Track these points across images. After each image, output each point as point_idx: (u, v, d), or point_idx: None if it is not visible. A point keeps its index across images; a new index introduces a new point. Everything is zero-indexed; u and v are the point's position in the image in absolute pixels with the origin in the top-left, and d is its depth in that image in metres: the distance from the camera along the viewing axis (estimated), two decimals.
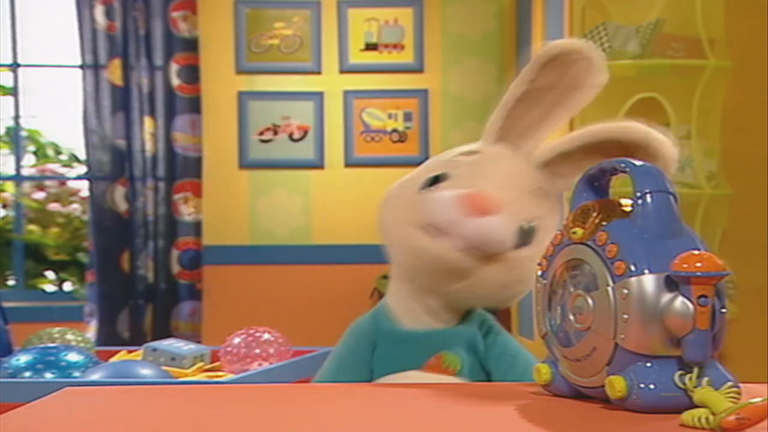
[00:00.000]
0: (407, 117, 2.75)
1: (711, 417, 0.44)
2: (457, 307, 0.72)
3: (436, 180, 0.70)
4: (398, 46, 2.75)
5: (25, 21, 2.80)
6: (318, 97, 2.76)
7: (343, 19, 2.75)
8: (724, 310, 0.49)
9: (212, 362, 1.33)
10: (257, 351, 1.26)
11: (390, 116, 2.76)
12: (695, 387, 0.48)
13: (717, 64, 1.66)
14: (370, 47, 2.75)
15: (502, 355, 0.71)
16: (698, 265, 0.48)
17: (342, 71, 2.76)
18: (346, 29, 2.76)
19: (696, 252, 0.48)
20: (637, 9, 1.72)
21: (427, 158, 2.58)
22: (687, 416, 0.46)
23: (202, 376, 1.26)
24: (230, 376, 1.21)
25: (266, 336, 1.28)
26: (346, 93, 2.75)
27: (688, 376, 0.49)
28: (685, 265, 0.48)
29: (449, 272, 0.68)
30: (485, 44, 2.76)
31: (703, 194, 1.65)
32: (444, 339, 0.70)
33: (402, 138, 2.75)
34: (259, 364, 1.24)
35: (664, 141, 0.67)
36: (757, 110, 1.75)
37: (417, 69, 2.75)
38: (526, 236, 0.68)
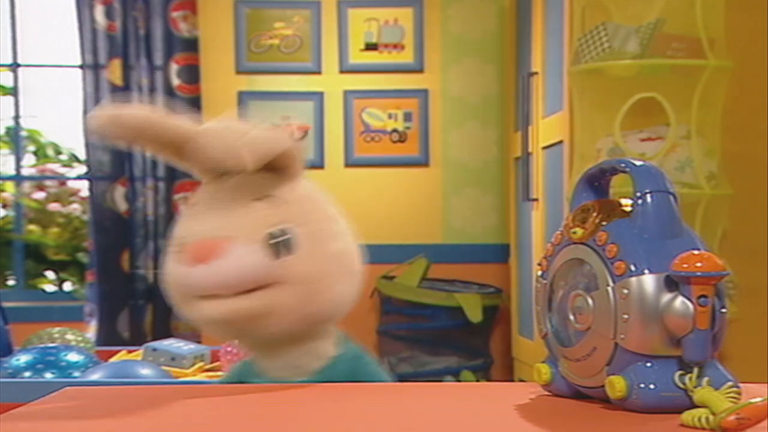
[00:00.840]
0: (407, 117, 2.75)
1: (711, 417, 0.44)
2: (305, 346, 0.68)
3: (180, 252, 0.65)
4: (398, 46, 2.75)
5: (25, 21, 2.80)
6: (318, 97, 2.75)
7: (343, 19, 2.75)
8: (724, 310, 0.49)
9: (212, 362, 1.33)
10: None
11: (390, 116, 2.76)
12: (695, 387, 0.48)
13: (717, 64, 1.66)
14: (370, 47, 2.75)
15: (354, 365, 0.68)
16: (698, 265, 0.48)
17: (342, 71, 2.76)
18: (346, 29, 2.76)
19: (696, 252, 0.48)
20: (637, 9, 1.72)
21: (427, 158, 2.59)
22: (687, 416, 0.46)
23: (202, 376, 1.26)
24: None
25: None
26: (346, 93, 2.75)
27: (688, 376, 0.49)
28: (685, 265, 0.48)
29: (245, 322, 0.63)
30: (485, 44, 2.76)
31: (703, 194, 1.65)
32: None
33: (402, 138, 2.75)
34: None
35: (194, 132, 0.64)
36: (757, 110, 1.75)
37: (417, 69, 2.75)
38: (283, 247, 0.63)
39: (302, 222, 0.65)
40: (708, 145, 1.70)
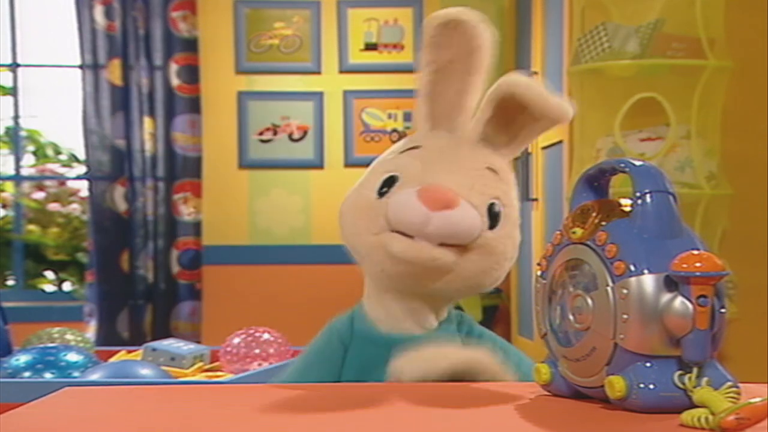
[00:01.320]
0: (407, 117, 2.75)
1: (710, 417, 0.44)
2: (437, 307, 0.71)
3: (388, 182, 0.69)
4: (398, 46, 2.75)
5: (24, 21, 2.80)
6: (318, 97, 2.75)
7: (342, 19, 2.75)
8: (723, 310, 0.49)
9: (212, 362, 1.33)
10: (257, 351, 1.26)
11: (390, 116, 2.76)
12: (695, 387, 0.48)
13: (717, 64, 1.66)
14: (370, 47, 2.75)
15: (494, 348, 0.70)
16: (698, 265, 0.48)
17: (342, 71, 2.76)
18: (345, 29, 2.76)
19: (695, 252, 0.48)
20: (637, 9, 1.72)
21: None
22: (686, 416, 0.46)
23: (201, 376, 1.26)
24: (230, 376, 1.21)
25: (266, 336, 1.28)
26: (346, 93, 2.75)
27: (688, 376, 0.49)
28: (684, 265, 0.48)
29: (429, 271, 0.67)
30: None
31: (703, 194, 1.65)
32: (422, 344, 0.68)
33: (402, 138, 2.75)
34: (259, 364, 1.24)
35: (525, 88, 0.68)
36: (757, 110, 1.75)
37: (417, 69, 2.75)
38: (493, 217, 0.68)
39: (507, 203, 0.70)
40: (708, 145, 1.70)
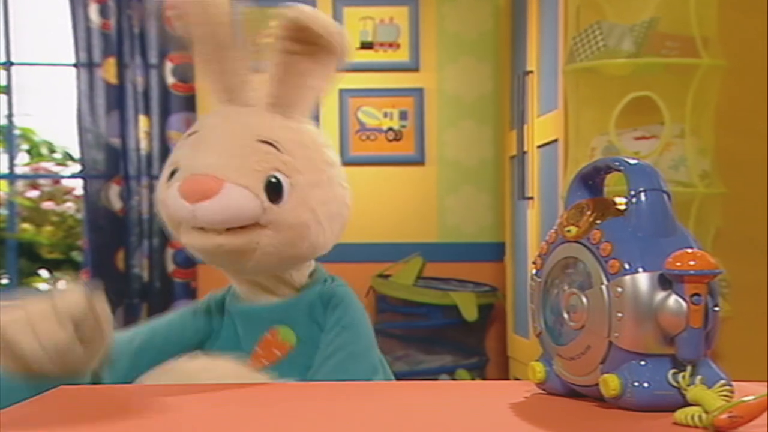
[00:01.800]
0: (403, 116, 2.75)
1: (704, 415, 0.45)
2: (279, 278, 0.71)
3: (172, 174, 0.69)
4: (394, 45, 2.75)
5: (18, 19, 2.79)
6: None
7: (338, 18, 2.75)
8: (716, 309, 0.49)
9: None
10: None
11: (385, 115, 2.76)
12: (688, 385, 0.48)
13: (710, 63, 1.67)
14: (366, 46, 2.75)
15: (333, 326, 0.69)
16: (691, 263, 0.48)
17: (337, 70, 2.75)
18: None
19: (689, 250, 0.49)
20: (631, 8, 1.73)
21: (422, 157, 2.59)
22: (680, 414, 0.46)
23: None
24: None
25: None
26: (342, 92, 2.75)
27: (682, 374, 0.49)
28: (678, 264, 0.48)
29: (228, 257, 0.67)
30: (481, 43, 2.76)
31: (697, 193, 1.66)
32: (278, 313, 0.69)
33: (398, 136, 2.75)
34: None
35: (311, 17, 0.68)
36: (750, 109, 1.75)
37: (412, 68, 2.75)
38: (274, 191, 0.66)
39: (296, 171, 0.68)
40: (701, 143, 1.70)
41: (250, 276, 0.71)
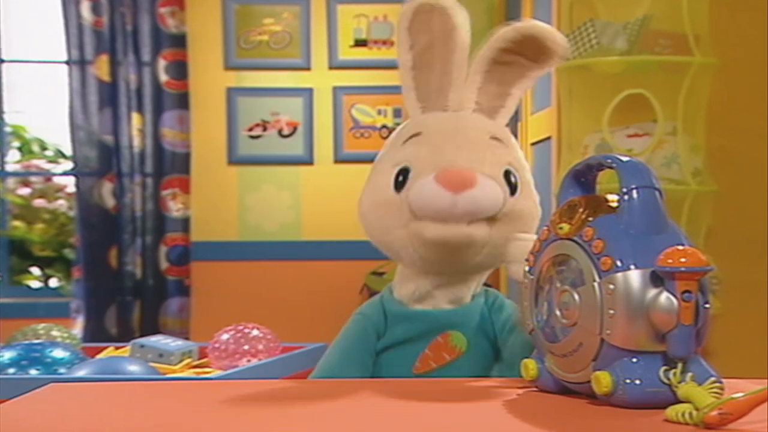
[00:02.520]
0: (397, 113, 2.75)
1: (694, 412, 0.45)
2: (471, 280, 0.73)
3: (402, 175, 0.70)
4: (387, 42, 2.75)
5: (9, 16, 2.77)
6: (307, 93, 2.75)
7: (332, 15, 2.74)
8: (707, 306, 0.49)
9: (200, 359, 1.32)
10: (246, 347, 1.25)
11: (379, 112, 2.75)
12: (679, 382, 0.48)
13: (702, 61, 1.67)
14: (360, 43, 2.74)
15: (507, 320, 0.72)
16: (682, 260, 0.48)
17: (331, 67, 2.75)
18: (335, 25, 2.75)
19: (680, 247, 0.49)
20: (624, 5, 1.73)
21: None
22: (671, 411, 0.46)
23: (189, 373, 1.25)
24: (218, 373, 1.20)
25: (255, 332, 1.28)
26: (336, 89, 2.75)
27: (673, 371, 0.49)
28: (669, 261, 0.48)
29: (466, 248, 0.68)
30: (474, 41, 2.74)
31: (689, 190, 1.66)
32: (451, 318, 0.71)
33: (391, 134, 2.75)
34: (248, 361, 1.24)
35: (532, 25, 0.72)
36: (741, 107, 1.76)
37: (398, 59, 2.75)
38: (511, 184, 0.70)
39: (520, 167, 0.71)
40: (693, 141, 1.71)
41: (459, 272, 0.71)
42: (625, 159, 0.54)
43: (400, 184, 0.70)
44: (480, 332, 0.71)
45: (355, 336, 0.73)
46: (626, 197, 0.52)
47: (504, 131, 0.73)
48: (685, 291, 0.48)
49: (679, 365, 0.49)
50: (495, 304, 0.73)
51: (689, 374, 0.48)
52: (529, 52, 0.72)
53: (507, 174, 0.70)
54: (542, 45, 0.72)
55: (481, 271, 0.73)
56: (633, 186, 0.52)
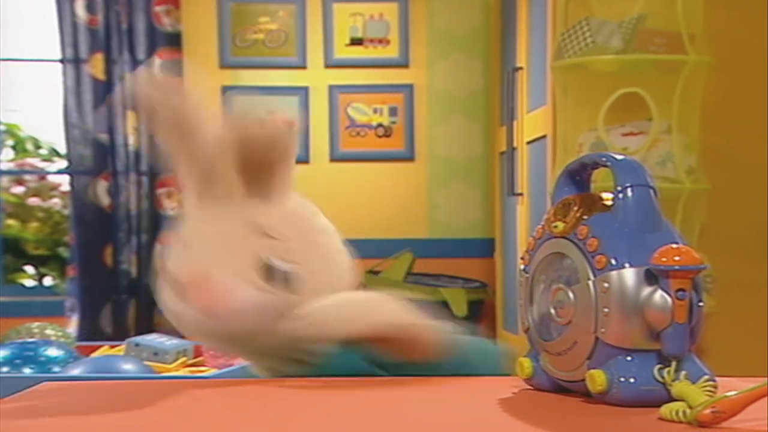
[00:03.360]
0: (392, 112, 2.75)
1: (688, 411, 0.45)
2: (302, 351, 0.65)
3: None
4: (383, 41, 2.75)
5: (4, 15, 2.75)
6: (303, 91, 2.74)
7: (328, 14, 2.74)
8: (701, 304, 0.50)
9: (195, 357, 1.32)
10: None
11: (375, 111, 2.75)
12: (673, 381, 0.48)
13: (697, 60, 1.68)
14: (356, 42, 2.74)
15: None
16: (677, 258, 0.48)
17: (327, 66, 2.75)
18: (331, 24, 2.74)
19: (675, 246, 0.49)
20: (619, 4, 1.73)
21: (412, 153, 2.58)
22: (665, 410, 0.46)
23: (185, 371, 1.25)
24: (213, 371, 1.20)
25: None
26: (332, 88, 2.74)
27: (667, 369, 0.49)
28: (663, 259, 0.48)
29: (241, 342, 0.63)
30: (471, 39, 2.76)
31: (683, 189, 1.67)
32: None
33: (387, 133, 2.75)
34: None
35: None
36: (736, 106, 1.77)
37: (402, 64, 2.75)
38: (284, 281, 0.62)
39: (300, 258, 0.64)
40: (688, 140, 1.71)
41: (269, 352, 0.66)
42: (619, 157, 0.54)
43: None
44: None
45: None
46: (621, 195, 0.52)
47: (275, 214, 0.65)
48: (679, 289, 0.48)
49: (673, 363, 0.49)
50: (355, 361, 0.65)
51: (683, 372, 0.49)
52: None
53: (273, 271, 0.61)
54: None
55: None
56: (627, 184, 0.52)
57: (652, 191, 0.52)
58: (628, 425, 0.47)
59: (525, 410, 0.51)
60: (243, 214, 0.64)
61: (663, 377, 0.49)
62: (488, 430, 0.47)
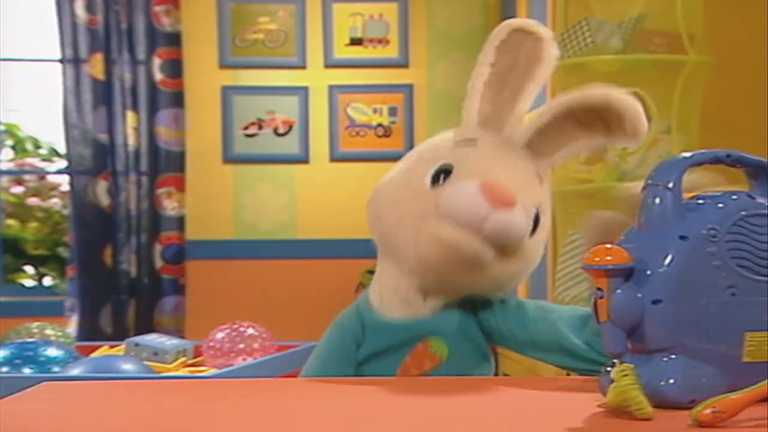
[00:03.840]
0: (392, 112, 2.75)
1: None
2: (450, 294, 0.71)
3: (443, 173, 0.69)
4: (383, 41, 2.75)
5: (4, 14, 2.75)
6: (303, 91, 2.74)
7: (327, 14, 2.74)
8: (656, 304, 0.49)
9: (195, 357, 1.32)
10: (241, 346, 1.25)
11: (375, 111, 2.75)
12: (612, 381, 0.48)
13: (696, 60, 1.68)
14: (355, 42, 2.74)
15: (509, 311, 0.71)
16: (596, 259, 0.49)
17: (327, 66, 2.75)
18: (330, 24, 2.74)
19: (607, 246, 0.49)
20: (619, 4, 1.73)
21: None
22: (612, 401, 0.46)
23: (184, 371, 1.25)
24: (213, 371, 1.20)
25: (250, 331, 1.27)
26: (331, 88, 2.74)
27: (615, 369, 0.49)
28: (596, 259, 0.49)
29: (468, 264, 0.66)
30: (470, 39, 2.76)
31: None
32: (429, 325, 0.70)
33: (387, 133, 2.75)
34: (243, 359, 1.24)
35: (624, 100, 0.70)
36: (735, 106, 1.77)
37: (402, 64, 2.75)
38: (535, 224, 0.69)
39: (545, 210, 0.71)
40: (687, 140, 1.71)
41: (446, 286, 0.70)
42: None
43: (435, 179, 0.68)
44: (460, 336, 0.70)
45: (335, 347, 0.73)
46: None
47: (546, 173, 0.72)
48: (597, 288, 0.48)
49: (616, 362, 0.49)
50: (478, 302, 0.71)
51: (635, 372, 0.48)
52: (612, 124, 0.70)
53: (536, 213, 0.69)
54: (625, 125, 0.69)
55: (471, 291, 0.71)
56: None
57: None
58: (628, 424, 0.47)
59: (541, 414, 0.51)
60: (528, 159, 0.71)
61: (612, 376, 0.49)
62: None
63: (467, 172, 0.68)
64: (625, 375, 0.46)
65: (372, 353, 0.71)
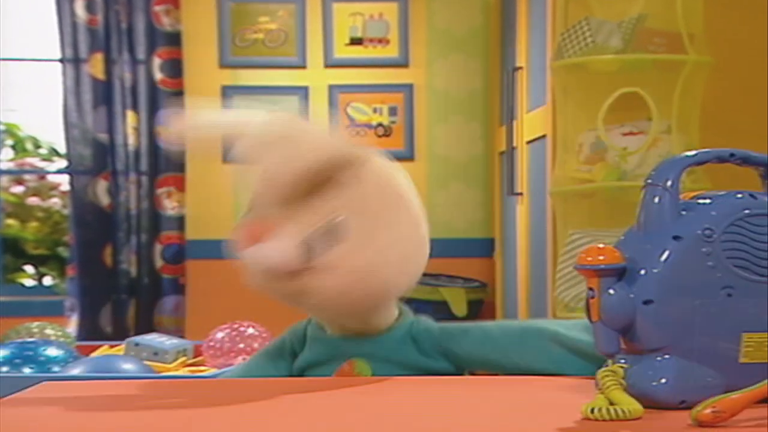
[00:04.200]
0: (392, 111, 2.75)
1: (611, 408, 0.45)
2: (376, 310, 0.70)
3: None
4: (383, 41, 2.75)
5: (3, 14, 2.75)
6: (303, 91, 2.74)
7: (327, 14, 2.74)
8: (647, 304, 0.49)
9: (195, 357, 1.32)
10: (241, 345, 1.25)
11: (375, 111, 2.75)
12: (617, 380, 0.48)
13: (697, 60, 1.68)
14: (355, 42, 2.74)
15: (459, 340, 0.72)
16: (588, 259, 0.49)
17: (327, 66, 2.75)
18: (330, 24, 2.74)
19: (600, 246, 0.49)
20: (619, 4, 1.73)
21: (412, 152, 2.58)
22: (586, 408, 0.46)
23: (184, 371, 1.25)
24: (213, 371, 1.20)
25: (250, 330, 1.27)
26: (331, 87, 2.74)
27: (602, 369, 0.49)
28: (589, 258, 0.49)
29: (287, 297, 0.68)
30: (470, 39, 2.76)
31: (684, 188, 1.67)
32: (359, 347, 0.70)
33: (387, 132, 2.75)
34: (243, 359, 1.24)
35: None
36: (735, 106, 1.77)
37: (402, 64, 2.75)
38: (330, 236, 0.64)
39: (359, 210, 0.65)
40: (687, 139, 1.71)
41: (324, 314, 0.71)
42: None
43: None
44: (391, 362, 0.70)
45: (276, 341, 0.76)
46: None
47: (348, 176, 0.66)
48: (589, 288, 0.48)
49: (609, 362, 0.49)
50: (419, 333, 0.71)
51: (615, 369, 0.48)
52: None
53: (321, 226, 0.64)
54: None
55: (325, 318, 0.71)
56: None
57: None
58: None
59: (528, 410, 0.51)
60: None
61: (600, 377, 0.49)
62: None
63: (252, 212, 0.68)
64: (606, 376, 0.46)
65: (307, 364, 0.73)
